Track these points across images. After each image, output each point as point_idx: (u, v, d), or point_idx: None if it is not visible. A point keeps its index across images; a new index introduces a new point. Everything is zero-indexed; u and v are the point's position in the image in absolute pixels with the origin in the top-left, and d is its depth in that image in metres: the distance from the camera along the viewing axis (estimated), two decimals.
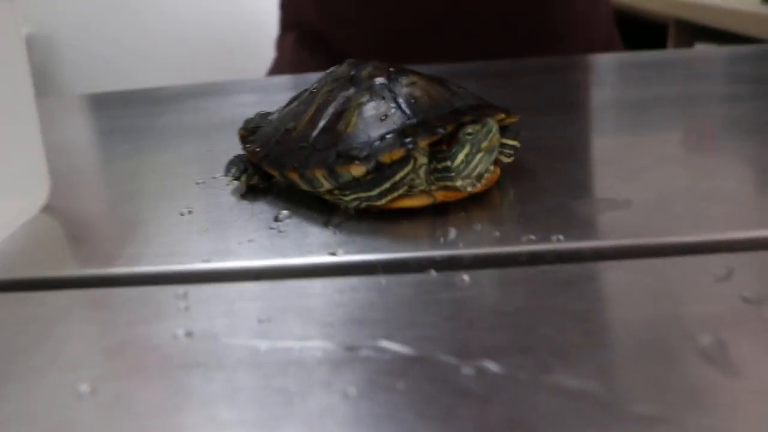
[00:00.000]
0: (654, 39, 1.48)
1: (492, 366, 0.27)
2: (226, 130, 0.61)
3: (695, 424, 0.23)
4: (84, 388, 0.28)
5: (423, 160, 0.40)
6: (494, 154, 0.40)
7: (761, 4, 1.28)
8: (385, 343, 0.29)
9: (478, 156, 0.39)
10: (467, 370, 0.27)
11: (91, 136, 0.69)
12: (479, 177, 0.41)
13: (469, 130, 0.39)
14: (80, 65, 2.17)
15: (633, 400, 0.25)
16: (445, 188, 0.40)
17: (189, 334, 0.31)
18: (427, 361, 0.28)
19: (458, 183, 0.40)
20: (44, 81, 2.19)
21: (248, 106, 0.50)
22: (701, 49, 0.85)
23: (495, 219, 0.40)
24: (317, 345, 0.29)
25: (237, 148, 0.48)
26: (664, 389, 0.25)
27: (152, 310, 0.34)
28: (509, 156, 0.44)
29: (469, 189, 0.40)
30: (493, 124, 0.38)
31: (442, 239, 0.37)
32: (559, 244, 0.36)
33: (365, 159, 0.39)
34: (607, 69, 0.81)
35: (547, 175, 0.45)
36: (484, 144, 0.39)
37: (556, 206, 0.40)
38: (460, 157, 0.39)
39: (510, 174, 0.45)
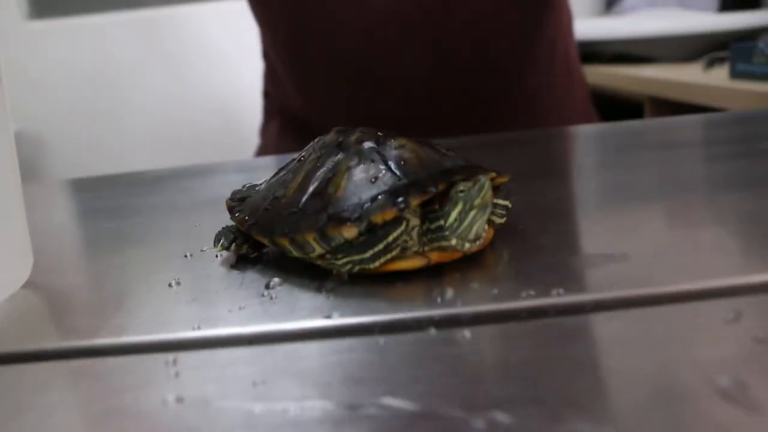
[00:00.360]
0: (631, 117, 1.52)
1: (503, 418, 0.25)
2: (212, 208, 0.60)
3: None
4: None
5: (415, 221, 0.40)
6: (488, 212, 0.39)
7: (704, 71, 1.32)
8: (388, 400, 0.27)
9: (471, 213, 0.38)
10: (477, 423, 0.25)
11: (74, 216, 0.67)
12: (476, 238, 0.40)
13: (461, 187, 0.38)
14: (68, 156, 2.18)
15: None
16: (440, 249, 0.40)
17: (179, 400, 0.29)
18: (433, 416, 0.26)
19: (453, 242, 0.39)
20: (33, 172, 2.19)
21: (234, 185, 0.49)
22: (677, 118, 0.86)
23: (491, 277, 0.39)
24: (316, 405, 0.28)
25: (225, 222, 0.47)
26: (686, 430, 0.24)
27: (140, 378, 0.32)
28: (501, 216, 0.43)
29: (467, 247, 0.39)
30: (485, 181, 0.38)
31: (439, 299, 0.36)
32: (559, 298, 0.35)
33: (357, 220, 0.38)
34: (589, 138, 0.81)
35: (541, 234, 0.45)
36: (477, 201, 0.38)
37: (553, 263, 0.40)
38: (453, 215, 0.38)
39: (503, 235, 0.45)
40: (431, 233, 0.39)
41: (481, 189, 0.38)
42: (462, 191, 0.38)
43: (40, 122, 2.19)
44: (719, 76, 1.29)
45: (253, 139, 1.13)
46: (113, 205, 0.67)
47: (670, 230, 0.44)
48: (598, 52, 1.69)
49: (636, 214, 0.47)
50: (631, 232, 0.44)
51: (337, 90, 0.93)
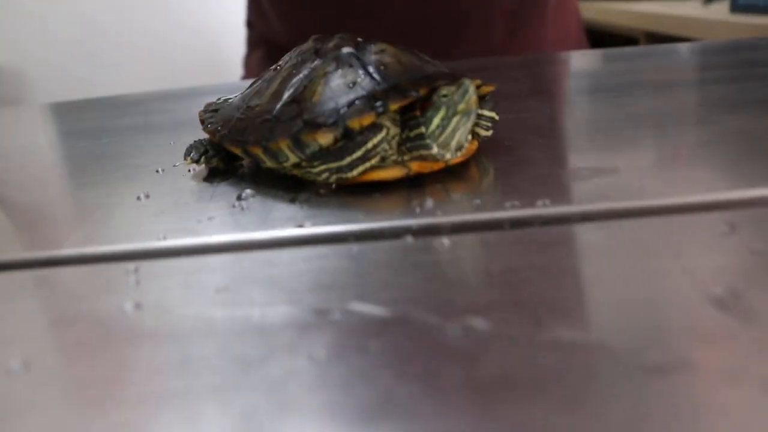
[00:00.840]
0: None
1: (480, 323, 0.23)
2: (191, 127, 0.57)
3: (714, 369, 0.20)
4: (15, 363, 0.24)
5: (395, 129, 0.37)
6: (472, 119, 0.37)
7: (703, 5, 1.28)
8: (357, 305, 0.25)
9: (455, 119, 0.36)
10: (452, 329, 0.23)
11: (54, 137, 0.65)
12: (458, 147, 0.37)
13: (444, 92, 0.36)
14: (51, 89, 2.13)
15: (641, 350, 0.21)
16: (420, 158, 0.37)
17: (138, 307, 0.27)
18: (405, 321, 0.24)
19: (434, 151, 0.37)
20: (17, 104, 2.14)
21: None
22: (672, 45, 0.83)
23: (474, 189, 0.37)
24: (280, 310, 0.26)
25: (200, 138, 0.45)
26: (677, 337, 0.22)
27: (99, 286, 0.30)
28: (487, 129, 0.41)
29: (448, 157, 0.37)
30: (469, 85, 0.35)
31: (418, 209, 0.34)
32: (545, 208, 0.33)
33: (332, 125, 0.35)
34: (582, 62, 0.78)
35: (528, 149, 0.42)
36: (461, 106, 0.36)
37: (539, 176, 0.37)
38: (436, 121, 0.36)
39: (488, 149, 0.42)
40: (411, 141, 0.37)
41: (465, 93, 0.35)
42: (445, 96, 0.36)
43: (22, 55, 2.14)
44: (719, 9, 1.25)
45: (236, 70, 1.10)
46: (93, 126, 0.65)
47: (663, 148, 0.42)
48: None
49: (628, 133, 0.45)
50: (622, 149, 0.42)
51: (320, 17, 0.89)
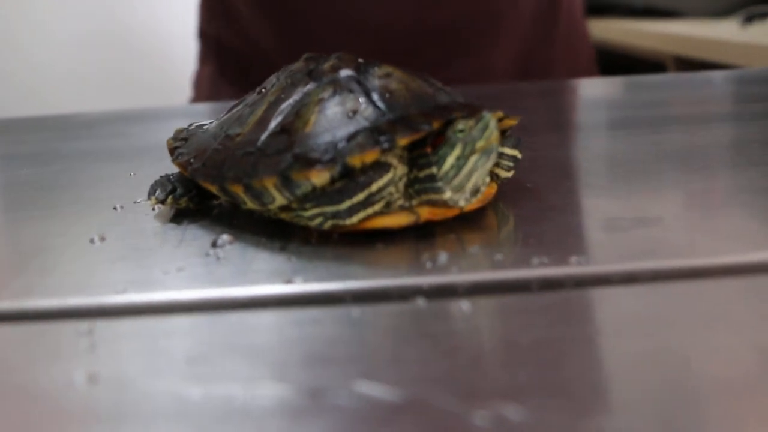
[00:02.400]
0: None
1: (512, 411, 0.22)
2: (152, 155, 0.56)
3: None
4: None
5: (402, 169, 0.36)
6: (492, 159, 0.36)
7: (741, 27, 1.29)
8: (362, 385, 0.24)
9: (473, 159, 0.35)
10: (480, 418, 0.22)
11: None
12: (474, 191, 0.36)
13: (461, 126, 0.35)
14: None
15: None
16: (430, 203, 0.36)
17: (92, 379, 0.26)
18: (421, 408, 0.23)
19: (447, 195, 0.35)
20: None
21: None
22: (705, 73, 0.84)
23: (494, 241, 0.36)
24: (268, 390, 0.24)
25: (166, 171, 0.44)
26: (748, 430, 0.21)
27: (42, 351, 0.28)
28: (508, 170, 0.40)
29: (462, 204, 0.36)
30: (490, 119, 0.34)
31: (429, 264, 0.33)
32: (580, 267, 0.32)
33: (329, 162, 0.34)
34: (603, 91, 0.78)
35: (553, 192, 0.41)
36: (480, 143, 0.35)
37: (569, 225, 0.36)
38: (450, 160, 0.35)
39: (507, 193, 0.41)
40: (419, 183, 0.36)
41: (485, 128, 0.34)
42: (462, 131, 0.35)
43: None
44: (759, 33, 1.26)
45: (183, 90, 1.09)
46: (35, 150, 0.63)
47: (712, 194, 0.41)
48: (613, 3, 1.66)
49: (669, 175, 0.44)
50: (663, 194, 0.41)
51: (310, 31, 0.89)
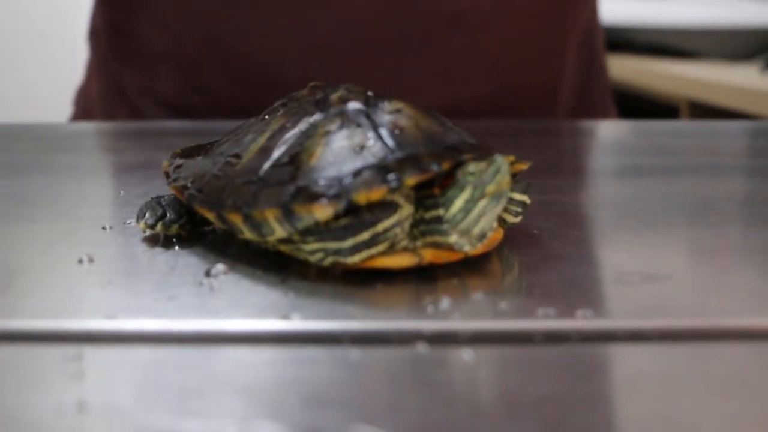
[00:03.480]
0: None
1: None
2: (143, 173, 0.57)
3: None
4: None
5: (408, 209, 0.37)
6: (501, 204, 0.37)
7: (761, 73, 1.31)
8: (362, 429, 0.25)
9: (481, 203, 0.36)
10: None
11: None
12: (481, 236, 0.38)
13: (472, 168, 0.36)
14: None
15: None
16: (434, 246, 0.37)
17: (81, 408, 0.27)
18: None
19: (452, 239, 0.37)
20: None
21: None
22: (721, 123, 0.86)
23: (498, 288, 0.37)
24: (265, 430, 0.25)
25: (159, 192, 0.45)
26: None
27: (28, 376, 0.29)
28: (516, 215, 0.41)
29: (467, 249, 0.37)
30: (502, 163, 0.36)
31: (431, 308, 0.34)
32: (586, 321, 0.33)
33: (334, 197, 0.35)
34: (614, 135, 0.80)
35: (560, 240, 0.43)
36: (491, 187, 0.36)
37: (575, 277, 0.38)
38: (458, 203, 0.36)
39: (512, 239, 0.42)
40: (425, 224, 0.37)
41: (496, 172, 0.36)
42: (472, 173, 0.36)
43: None
44: None
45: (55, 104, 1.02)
46: (15, 160, 0.64)
47: (728, 252, 0.43)
48: (628, 40, 1.68)
49: (672, 229, 0.46)
50: (675, 249, 0.42)
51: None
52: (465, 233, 0.37)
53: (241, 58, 0.77)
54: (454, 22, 0.78)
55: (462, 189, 0.36)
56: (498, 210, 0.37)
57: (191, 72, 0.79)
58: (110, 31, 0.83)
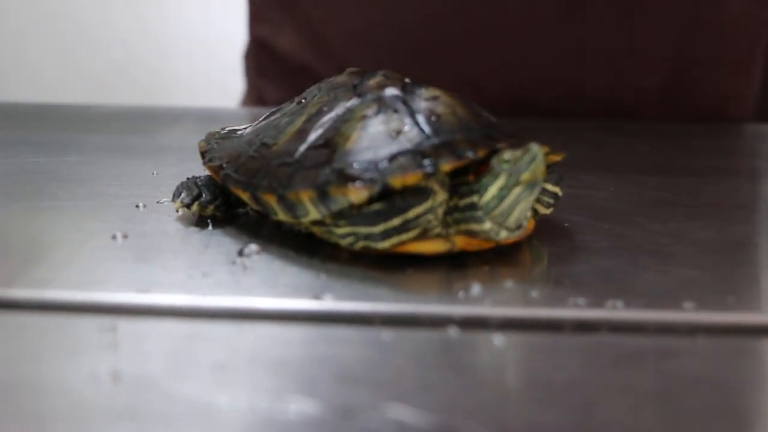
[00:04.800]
0: None
1: None
2: (176, 155, 0.58)
3: None
4: None
5: (443, 195, 0.37)
6: (535, 193, 0.37)
7: None
8: (393, 408, 0.25)
9: (516, 191, 0.36)
10: None
11: None
12: (517, 225, 0.38)
13: (507, 156, 0.36)
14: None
15: None
16: (468, 233, 0.37)
17: (116, 377, 0.27)
18: None
19: (486, 226, 0.37)
20: None
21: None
22: (753, 126, 0.84)
23: (528, 278, 0.37)
24: (296, 404, 0.26)
25: (192, 173, 0.45)
26: None
27: (66, 343, 0.30)
28: (548, 206, 0.41)
29: (504, 235, 0.37)
30: (537, 151, 0.36)
31: (462, 294, 0.34)
32: (616, 311, 0.33)
33: (369, 181, 0.36)
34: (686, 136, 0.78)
35: (591, 234, 0.43)
36: (526, 175, 0.36)
37: (606, 269, 0.38)
38: (492, 190, 0.36)
39: (543, 230, 0.42)
40: (459, 211, 0.37)
41: (531, 160, 0.36)
42: (507, 161, 0.36)
43: None
44: None
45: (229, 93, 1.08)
46: (52, 138, 0.65)
47: (750, 248, 0.42)
48: None
49: (701, 225, 0.45)
50: (696, 245, 0.42)
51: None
52: (498, 221, 0.37)
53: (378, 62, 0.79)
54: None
55: (496, 176, 0.36)
56: (532, 198, 0.37)
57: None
58: (253, 45, 0.87)
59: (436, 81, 0.42)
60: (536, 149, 0.36)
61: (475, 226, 0.37)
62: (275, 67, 0.86)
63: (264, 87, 0.87)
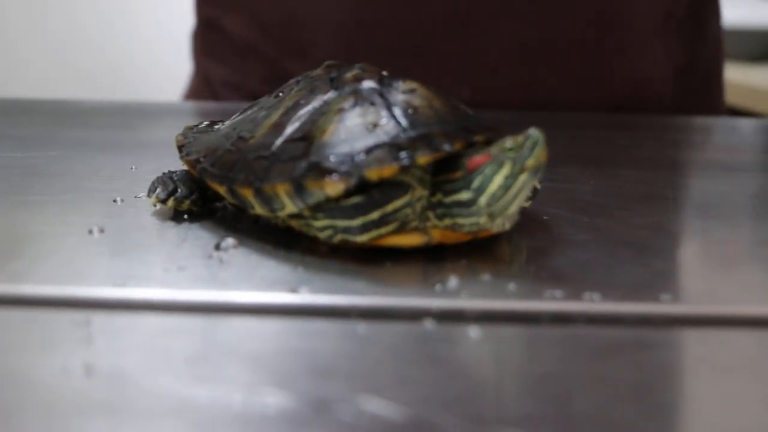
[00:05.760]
0: None
1: None
2: (155, 151, 0.57)
3: None
4: None
5: (421, 191, 0.37)
6: (537, 178, 0.37)
7: None
8: (367, 401, 0.25)
9: (522, 178, 0.36)
10: None
11: None
12: (515, 212, 0.38)
13: (509, 144, 0.35)
14: None
15: None
16: (452, 227, 0.37)
17: (89, 371, 0.27)
18: (426, 429, 0.24)
19: (482, 219, 0.36)
20: None
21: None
22: (733, 120, 0.84)
23: (506, 271, 0.37)
24: (270, 397, 0.25)
25: (170, 168, 0.45)
26: None
27: (38, 338, 0.29)
28: (527, 199, 0.41)
29: (498, 223, 0.37)
30: (539, 135, 0.35)
31: (439, 287, 0.34)
32: (593, 304, 0.33)
33: (345, 174, 0.35)
34: (655, 129, 0.78)
35: (570, 226, 0.43)
36: (530, 161, 0.35)
37: (585, 262, 0.38)
38: (498, 180, 0.36)
39: (523, 223, 0.42)
40: (444, 207, 0.37)
41: (534, 146, 0.35)
42: (511, 149, 0.35)
43: None
44: None
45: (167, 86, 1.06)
46: (29, 133, 0.64)
47: (725, 244, 0.42)
48: None
49: (682, 219, 0.46)
50: (676, 238, 0.42)
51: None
52: (499, 212, 0.37)
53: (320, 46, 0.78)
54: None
55: (500, 165, 0.35)
56: (532, 184, 0.37)
57: (277, 63, 0.80)
58: (201, 25, 0.86)
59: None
60: (537, 134, 0.35)
61: (462, 220, 0.37)
62: (222, 47, 0.85)
63: (210, 67, 0.86)
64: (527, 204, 0.41)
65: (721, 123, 0.82)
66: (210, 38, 0.85)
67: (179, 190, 0.42)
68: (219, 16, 0.83)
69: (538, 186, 0.41)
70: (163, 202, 0.42)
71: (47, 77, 2.11)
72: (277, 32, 0.80)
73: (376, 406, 0.25)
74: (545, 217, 0.44)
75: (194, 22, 0.88)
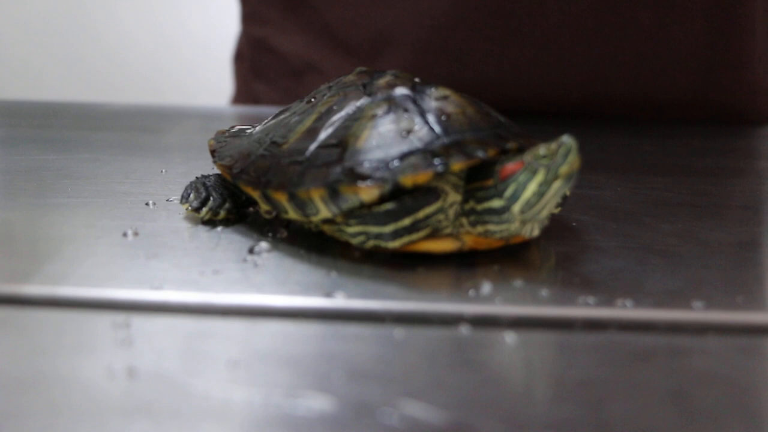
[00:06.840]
0: None
1: None
2: (184, 154, 0.58)
3: None
4: None
5: (455, 197, 0.37)
6: (570, 185, 0.37)
7: None
8: (408, 405, 0.25)
9: (555, 185, 0.36)
10: None
11: (5, 144, 0.65)
12: (543, 221, 0.38)
13: (542, 151, 0.36)
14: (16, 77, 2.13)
15: None
16: (485, 234, 0.37)
17: (131, 373, 0.27)
18: (467, 430, 0.24)
19: (514, 226, 0.37)
20: None
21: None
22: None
23: (537, 277, 0.37)
24: (311, 401, 0.26)
25: (201, 172, 0.45)
26: None
27: (80, 338, 0.30)
28: (556, 206, 0.41)
29: (536, 233, 0.38)
30: (572, 142, 0.35)
31: (472, 292, 0.34)
32: (625, 310, 0.33)
33: (380, 180, 0.36)
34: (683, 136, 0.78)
35: (599, 233, 0.43)
36: (564, 168, 0.35)
37: (615, 269, 0.38)
38: (532, 187, 0.36)
39: (552, 229, 0.43)
40: (476, 215, 0.37)
41: (567, 152, 0.35)
42: (545, 156, 0.36)
43: None
44: None
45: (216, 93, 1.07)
46: (62, 137, 0.65)
47: (756, 249, 0.43)
48: None
49: (707, 225, 0.45)
50: (716, 244, 0.42)
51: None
52: (532, 218, 0.37)
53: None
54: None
55: (534, 173, 0.36)
56: (564, 191, 0.37)
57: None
58: (250, 47, 0.85)
59: (460, 81, 0.42)
60: (570, 141, 0.35)
61: (494, 227, 0.37)
62: (275, 68, 0.85)
63: (260, 89, 0.86)
64: (557, 210, 0.42)
65: (758, 131, 0.81)
66: (260, 60, 0.85)
67: (212, 198, 0.42)
68: (270, 35, 0.83)
69: (568, 192, 0.42)
70: (197, 211, 0.42)
71: (64, 80, 2.12)
72: (348, 49, 0.80)
73: (416, 409, 0.25)
74: (574, 224, 0.44)
75: (238, 44, 0.88)
